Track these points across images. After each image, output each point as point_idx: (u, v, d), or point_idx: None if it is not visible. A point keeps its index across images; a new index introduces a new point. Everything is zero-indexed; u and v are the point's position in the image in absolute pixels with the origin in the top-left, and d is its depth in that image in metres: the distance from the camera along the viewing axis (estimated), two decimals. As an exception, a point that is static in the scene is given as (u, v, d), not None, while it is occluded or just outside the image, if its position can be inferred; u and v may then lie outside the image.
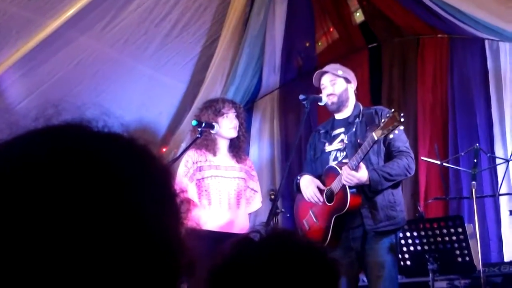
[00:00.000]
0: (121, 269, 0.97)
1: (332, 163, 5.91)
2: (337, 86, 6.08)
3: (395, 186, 5.83)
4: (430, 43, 8.21)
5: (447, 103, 7.93)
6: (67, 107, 1.11)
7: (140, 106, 7.74)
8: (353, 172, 5.59)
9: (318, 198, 5.89)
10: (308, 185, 5.99)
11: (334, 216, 5.77)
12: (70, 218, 0.95)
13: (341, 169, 5.71)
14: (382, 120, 5.49)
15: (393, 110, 5.50)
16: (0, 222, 0.95)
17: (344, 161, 5.80)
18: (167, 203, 1.08)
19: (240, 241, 2.07)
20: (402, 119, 5.38)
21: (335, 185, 5.77)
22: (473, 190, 6.21)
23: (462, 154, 7.07)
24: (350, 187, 5.67)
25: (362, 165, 5.61)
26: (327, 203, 5.87)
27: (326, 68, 6.22)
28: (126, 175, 1.03)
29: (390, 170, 5.71)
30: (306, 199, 5.98)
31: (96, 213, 0.96)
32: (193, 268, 1.10)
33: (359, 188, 5.69)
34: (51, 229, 0.94)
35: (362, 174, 5.61)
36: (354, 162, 5.59)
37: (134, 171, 1.04)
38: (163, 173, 1.11)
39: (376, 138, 5.46)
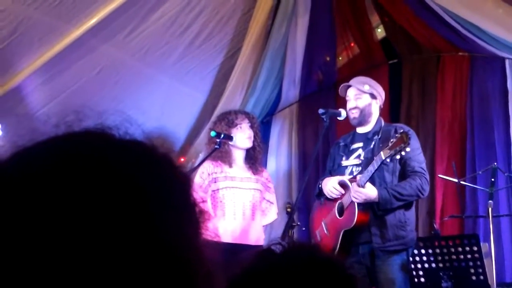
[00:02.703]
0: (138, 279, 0.97)
1: (346, 177, 5.92)
2: (361, 101, 6.08)
3: (407, 206, 5.82)
4: (451, 61, 8.18)
5: (466, 121, 7.90)
6: (88, 114, 1.11)
7: (160, 116, 7.77)
8: (361, 189, 5.60)
9: (339, 191, 5.89)
10: (327, 182, 6.00)
11: (343, 231, 5.79)
12: (88, 226, 0.95)
13: (351, 183, 5.72)
14: (391, 140, 5.50)
15: (401, 131, 5.51)
16: (15, 229, 0.95)
17: (358, 176, 5.80)
18: (186, 212, 1.08)
19: (262, 253, 2.08)
20: (409, 141, 5.40)
21: (346, 200, 5.79)
22: (490, 209, 6.20)
23: (480, 172, 7.04)
24: (358, 204, 5.68)
25: (368, 182, 5.61)
26: (337, 217, 5.88)
27: (352, 81, 6.23)
28: (145, 184, 1.02)
29: (402, 190, 5.70)
30: (328, 196, 5.97)
31: (114, 222, 0.96)
32: (211, 279, 1.09)
33: (368, 205, 5.69)
34: (67, 237, 0.94)
35: (370, 192, 5.61)
36: (362, 180, 5.61)
37: (154, 180, 1.04)
38: (183, 182, 1.11)
39: (383, 158, 5.48)
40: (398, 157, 5.50)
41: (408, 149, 5.45)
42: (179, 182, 1.10)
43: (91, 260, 0.94)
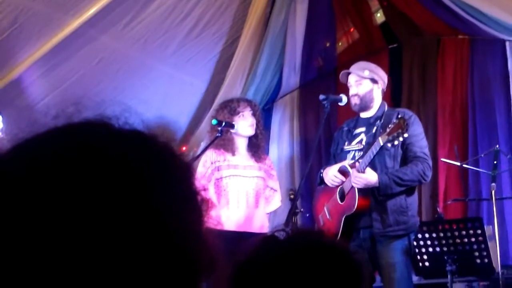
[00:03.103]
0: (141, 267, 0.97)
1: (348, 162, 5.92)
2: (362, 87, 6.06)
3: (409, 191, 5.81)
4: (451, 44, 8.18)
5: (467, 104, 7.90)
6: (87, 105, 1.11)
7: (160, 105, 7.77)
8: (360, 174, 5.60)
9: (339, 179, 5.89)
10: (328, 171, 6.00)
11: (344, 216, 5.79)
12: (90, 218, 0.95)
13: (352, 169, 5.72)
14: (389, 126, 5.49)
15: (399, 116, 5.50)
16: (16, 220, 0.95)
17: (359, 160, 5.80)
18: (188, 201, 1.08)
19: (266, 239, 2.08)
20: (407, 127, 5.39)
21: (346, 185, 5.80)
22: (493, 191, 6.20)
23: (482, 155, 7.04)
24: (358, 189, 5.68)
25: (368, 168, 5.61)
26: (339, 202, 5.89)
27: (352, 68, 6.21)
28: (147, 173, 1.02)
29: (403, 175, 5.70)
30: (330, 185, 5.98)
31: (116, 211, 0.96)
32: (214, 266, 1.09)
33: (368, 190, 5.69)
34: (67, 228, 0.94)
35: (370, 176, 5.61)
36: (362, 165, 5.61)
37: (155, 169, 1.04)
38: (185, 171, 1.11)
39: (381, 143, 5.49)
40: (396, 142, 5.49)
41: (406, 135, 5.43)
42: (180, 171, 1.10)
43: (93, 252, 0.94)
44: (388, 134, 5.46)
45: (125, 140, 1.06)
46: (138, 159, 1.03)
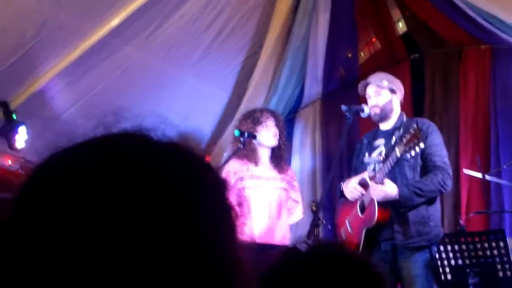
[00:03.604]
0: (177, 281, 0.98)
1: (367, 174, 5.91)
2: (381, 97, 6.05)
3: (430, 201, 5.78)
4: (473, 54, 8.16)
5: (489, 114, 7.87)
6: (126, 115, 1.12)
7: (183, 115, 7.77)
8: (379, 186, 5.59)
9: (359, 191, 5.89)
10: (348, 184, 6.01)
11: (365, 228, 5.79)
12: (128, 229, 0.96)
13: (371, 180, 5.72)
14: (405, 136, 5.48)
15: (415, 127, 5.49)
16: (56, 230, 0.97)
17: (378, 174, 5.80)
18: (223, 216, 1.09)
19: (288, 251, 2.09)
20: (423, 136, 5.38)
21: (366, 198, 5.80)
22: (515, 204, 6.19)
23: (505, 167, 7.03)
24: (378, 201, 5.68)
25: (386, 180, 5.60)
26: (360, 215, 5.89)
27: (370, 78, 6.20)
28: (183, 187, 1.03)
29: (423, 185, 5.68)
30: (349, 198, 5.99)
31: (153, 224, 0.98)
32: (247, 280, 1.11)
33: (388, 202, 5.68)
34: (106, 238, 0.96)
35: (389, 189, 5.59)
36: (380, 177, 5.61)
37: (192, 183, 1.05)
38: (220, 186, 1.12)
39: (398, 154, 5.47)
40: (413, 153, 5.47)
41: (422, 145, 5.42)
42: (216, 186, 1.11)
43: (130, 261, 0.96)
44: (405, 145, 5.45)
45: (162, 153, 1.08)
46: (175, 173, 1.05)
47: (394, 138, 5.91)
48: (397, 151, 5.49)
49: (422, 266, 5.71)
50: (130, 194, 0.99)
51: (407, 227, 5.69)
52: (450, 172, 5.85)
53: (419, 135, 5.39)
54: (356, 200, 5.96)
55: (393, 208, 5.71)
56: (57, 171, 1.03)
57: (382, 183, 5.61)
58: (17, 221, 1.00)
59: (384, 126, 6.12)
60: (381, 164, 5.86)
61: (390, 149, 5.85)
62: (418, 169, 5.80)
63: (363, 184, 5.88)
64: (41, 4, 6.35)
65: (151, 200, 0.99)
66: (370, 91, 6.12)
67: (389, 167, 5.57)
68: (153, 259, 0.97)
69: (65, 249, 0.96)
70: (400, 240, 5.70)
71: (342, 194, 6.15)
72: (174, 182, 1.03)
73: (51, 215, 0.97)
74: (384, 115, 6.07)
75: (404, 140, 5.46)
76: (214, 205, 1.08)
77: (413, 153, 5.48)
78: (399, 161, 5.62)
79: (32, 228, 0.98)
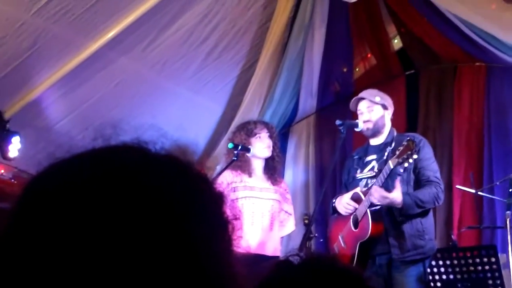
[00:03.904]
0: None
1: (358, 189, 5.92)
2: (374, 113, 6.07)
3: (424, 214, 5.79)
4: (468, 71, 8.19)
5: (483, 131, 7.90)
6: (125, 128, 1.12)
7: (177, 128, 7.77)
8: (386, 193, 5.59)
9: (352, 206, 5.89)
10: (340, 200, 6.01)
11: (359, 243, 5.79)
12: (123, 241, 0.96)
13: (364, 195, 5.72)
14: (398, 149, 5.50)
15: (408, 138, 5.51)
16: (49, 240, 0.96)
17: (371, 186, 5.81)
18: (220, 229, 1.09)
19: (280, 263, 2.09)
20: (416, 148, 5.40)
21: (360, 212, 5.79)
22: (508, 219, 6.18)
23: (497, 183, 7.03)
24: (372, 215, 5.68)
25: (398, 185, 5.60)
26: (353, 229, 5.89)
27: (363, 94, 6.22)
28: (180, 200, 1.03)
29: (422, 196, 5.70)
30: (343, 213, 5.98)
31: (149, 237, 0.97)
32: None
33: (380, 215, 5.69)
34: (100, 250, 0.96)
35: (396, 195, 5.59)
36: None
37: (189, 196, 1.05)
38: (218, 199, 1.12)
39: (391, 167, 5.48)
40: (406, 164, 5.49)
41: (415, 156, 5.44)
42: (213, 199, 1.11)
43: (126, 274, 0.96)
44: (398, 157, 5.46)
45: (160, 166, 1.07)
46: (173, 185, 1.05)
47: (386, 153, 5.92)
48: (390, 163, 5.49)
49: (414, 280, 5.70)
50: (127, 206, 0.98)
51: (403, 241, 5.69)
52: (443, 187, 5.88)
53: (413, 147, 5.40)
54: (349, 215, 5.96)
55: (388, 222, 5.71)
56: (55, 182, 1.03)
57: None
58: (14, 232, 1.00)
59: (375, 141, 6.13)
60: (374, 179, 5.86)
61: (383, 164, 5.85)
62: (412, 183, 5.81)
63: (356, 199, 5.88)
64: (37, 16, 6.36)
65: (147, 212, 0.99)
66: (363, 106, 6.13)
67: (382, 180, 5.58)
68: (149, 271, 0.97)
69: (61, 261, 0.95)
70: (396, 254, 5.69)
71: (334, 211, 6.15)
72: (171, 195, 1.03)
73: (48, 227, 0.97)
74: (376, 131, 6.08)
75: (397, 152, 5.47)
76: (210, 218, 1.08)
77: (406, 164, 5.48)
78: (391, 175, 5.62)
79: (29, 239, 0.98)
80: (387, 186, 5.67)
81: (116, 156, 1.07)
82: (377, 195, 5.63)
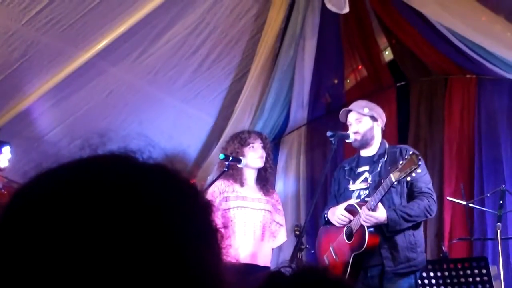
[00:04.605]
0: None
1: (354, 201, 5.91)
2: (362, 124, 6.08)
3: (416, 226, 5.81)
4: (458, 83, 8.20)
5: (474, 143, 7.91)
6: (112, 137, 1.12)
7: (168, 138, 7.77)
8: (371, 213, 5.60)
9: (347, 217, 5.88)
10: (334, 211, 5.99)
11: (353, 254, 5.78)
12: (108, 251, 0.96)
13: (360, 207, 5.71)
14: (401, 162, 5.50)
15: (411, 152, 5.53)
16: (36, 250, 0.96)
17: (366, 199, 5.80)
18: (208, 238, 1.08)
19: (272, 275, 2.08)
20: (420, 162, 5.41)
21: (354, 224, 5.78)
22: (498, 231, 6.20)
23: (488, 195, 7.04)
24: (368, 226, 5.68)
25: (379, 205, 5.61)
26: (346, 241, 5.88)
27: (352, 106, 6.23)
28: (168, 208, 1.02)
29: (410, 210, 5.70)
30: (337, 224, 5.96)
31: (136, 247, 0.97)
32: None
33: (378, 227, 5.69)
34: (85, 258, 0.95)
35: (380, 214, 5.61)
36: (372, 203, 5.60)
37: (177, 205, 1.04)
38: (206, 208, 1.11)
39: (393, 180, 5.47)
40: (408, 178, 5.51)
41: (419, 170, 5.45)
42: (201, 208, 1.11)
43: (111, 284, 0.95)
44: (401, 171, 5.45)
45: (147, 175, 1.07)
46: (160, 194, 1.04)
47: (379, 165, 5.92)
48: (393, 177, 5.48)
49: (407, 291, 5.71)
50: (113, 215, 0.98)
51: (395, 253, 5.69)
52: (435, 198, 5.88)
53: (416, 161, 5.40)
54: (341, 226, 5.95)
55: (381, 234, 5.71)
56: (41, 192, 1.02)
57: (374, 210, 5.61)
58: (1, 243, 0.99)
59: (366, 152, 6.14)
60: (367, 191, 5.87)
61: (376, 176, 5.86)
62: (405, 196, 5.82)
63: (351, 211, 5.88)
64: (28, 26, 6.35)
65: (134, 221, 0.98)
66: (351, 118, 6.14)
67: (383, 193, 5.56)
68: (136, 280, 0.96)
69: (46, 270, 0.95)
70: (389, 266, 5.69)
71: (327, 222, 6.13)
72: (159, 204, 1.02)
73: (34, 236, 0.97)
74: (364, 142, 6.09)
75: (400, 166, 5.47)
76: (198, 226, 1.07)
77: (408, 178, 5.50)
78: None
79: (14, 249, 0.97)
80: (382, 200, 5.66)
81: (102, 166, 1.07)
82: (363, 215, 5.64)
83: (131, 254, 0.96)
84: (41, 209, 0.99)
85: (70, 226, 0.96)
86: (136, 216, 0.99)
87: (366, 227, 5.68)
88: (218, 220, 1.12)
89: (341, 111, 6.26)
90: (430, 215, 5.85)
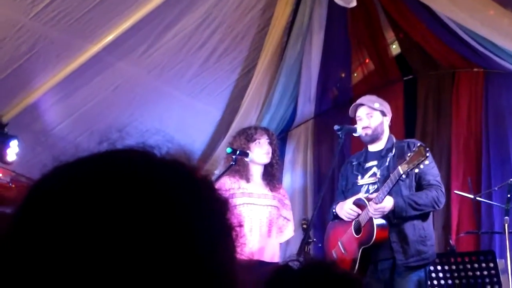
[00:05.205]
0: None
1: (362, 195, 5.91)
2: (373, 119, 6.06)
3: (425, 219, 5.80)
4: (466, 77, 8.19)
5: (481, 136, 7.91)
6: (130, 132, 1.12)
7: (175, 132, 7.77)
8: (378, 206, 5.60)
9: (356, 212, 5.88)
10: (343, 206, 5.99)
11: (362, 248, 5.77)
12: (126, 244, 0.96)
13: (368, 201, 5.71)
14: (409, 154, 5.49)
15: (419, 144, 5.52)
16: (53, 243, 0.96)
17: (374, 194, 5.79)
18: (224, 236, 1.08)
19: (280, 269, 2.08)
20: (427, 154, 5.41)
21: (363, 218, 5.78)
22: (506, 225, 6.19)
23: (496, 188, 7.02)
24: (376, 219, 5.68)
25: (386, 198, 5.61)
26: (355, 235, 5.87)
27: (362, 100, 6.21)
28: (183, 206, 1.02)
29: (418, 199, 5.69)
30: (346, 219, 5.96)
31: (152, 242, 0.97)
32: None
33: (385, 217, 5.68)
34: (102, 254, 0.95)
35: (387, 203, 5.61)
36: (380, 196, 5.60)
37: (194, 202, 1.04)
38: (222, 205, 1.11)
39: (401, 172, 5.47)
40: (416, 171, 5.50)
41: (427, 162, 5.45)
42: (218, 205, 1.11)
43: (128, 280, 0.95)
44: (408, 163, 5.45)
45: (165, 171, 1.07)
46: (177, 191, 1.04)
47: (388, 159, 5.92)
48: (400, 169, 5.48)
49: (416, 285, 5.70)
50: (132, 211, 0.98)
51: (406, 246, 5.69)
52: (444, 190, 5.88)
53: (424, 153, 5.40)
54: (350, 221, 5.94)
55: (391, 227, 5.71)
56: (61, 185, 1.02)
57: (381, 202, 5.61)
58: (18, 235, 1.00)
59: (374, 147, 6.13)
60: (375, 186, 5.86)
61: (385, 170, 5.86)
62: (414, 189, 5.81)
63: (359, 205, 5.87)
64: (35, 19, 6.36)
65: (152, 217, 0.98)
66: (362, 112, 6.12)
67: (390, 186, 5.56)
68: (153, 277, 0.96)
69: (65, 264, 0.95)
70: (400, 259, 5.69)
71: (335, 217, 6.13)
72: (176, 200, 1.02)
73: (53, 229, 0.97)
74: (375, 137, 6.08)
75: (408, 158, 5.47)
76: (215, 224, 1.07)
77: (416, 170, 5.50)
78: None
79: (33, 242, 0.97)
80: (390, 193, 5.65)
81: (121, 160, 1.06)
82: (372, 209, 5.64)
83: (146, 250, 0.96)
84: (58, 202, 0.99)
85: (90, 220, 0.97)
86: (151, 213, 0.99)
87: (374, 221, 5.67)
88: (234, 218, 1.12)
89: (352, 106, 6.24)
90: (438, 206, 5.84)
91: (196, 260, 1.00)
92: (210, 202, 1.08)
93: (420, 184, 5.83)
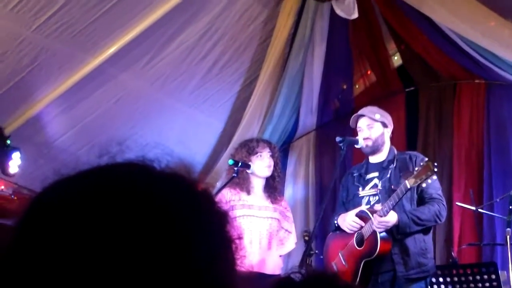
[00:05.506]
0: None
1: (364, 207, 5.90)
2: (374, 130, 6.06)
3: (426, 232, 5.80)
4: (467, 88, 8.19)
5: (483, 148, 7.89)
6: (130, 145, 1.12)
7: (177, 144, 7.79)
8: (383, 218, 5.60)
9: (358, 224, 5.87)
10: (345, 217, 5.98)
11: (364, 261, 5.77)
12: (124, 257, 0.97)
13: (372, 214, 5.70)
14: (416, 169, 5.49)
15: (427, 159, 5.52)
16: (50, 257, 0.97)
17: (376, 205, 5.79)
18: (222, 249, 1.09)
19: (282, 281, 2.08)
20: (435, 169, 5.40)
21: (366, 230, 5.77)
22: (508, 236, 6.17)
23: (497, 200, 7.02)
24: (380, 232, 5.67)
25: (390, 212, 5.60)
26: (356, 247, 5.86)
27: (363, 111, 6.21)
28: (182, 219, 1.03)
29: (421, 214, 5.69)
30: (348, 231, 5.95)
31: (151, 256, 0.97)
32: None
33: (388, 232, 5.68)
34: (101, 266, 0.96)
35: (392, 218, 5.60)
36: (385, 209, 5.59)
37: (191, 215, 1.04)
38: (221, 218, 1.12)
39: (409, 187, 5.47)
40: (424, 185, 5.50)
41: (434, 177, 5.46)
42: (217, 218, 1.11)
43: None
44: (416, 177, 5.45)
45: (164, 184, 1.07)
46: (176, 204, 1.05)
47: (389, 171, 5.91)
48: (408, 184, 5.47)
49: (417, 297, 5.70)
50: (132, 224, 0.98)
51: (407, 258, 5.69)
52: (445, 204, 5.87)
53: (432, 168, 5.40)
54: (351, 233, 5.93)
55: (392, 239, 5.70)
56: (61, 198, 1.03)
57: (385, 215, 5.60)
58: (20, 247, 1.00)
59: (375, 159, 6.12)
60: (376, 197, 5.86)
61: (386, 182, 5.86)
62: (415, 202, 5.81)
63: (362, 217, 5.86)
64: (37, 32, 6.38)
65: (151, 230, 0.99)
66: (363, 124, 6.12)
67: (397, 200, 5.55)
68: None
69: (66, 276, 0.96)
70: (401, 271, 5.68)
71: (337, 228, 6.12)
72: (175, 213, 1.03)
73: (53, 242, 0.97)
74: (376, 148, 6.08)
75: (415, 172, 5.46)
76: (214, 237, 1.07)
77: (424, 185, 5.49)
78: (391, 193, 5.63)
79: (35, 254, 0.98)
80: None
81: (121, 174, 1.07)
82: (376, 222, 5.63)
83: (146, 263, 0.97)
84: (59, 216, 0.99)
85: (90, 233, 0.97)
86: (151, 226, 0.99)
87: (378, 234, 5.66)
88: (233, 231, 1.12)
89: (352, 117, 6.24)
90: (440, 220, 5.85)
91: (196, 273, 1.01)
92: (209, 215, 1.09)
93: (422, 197, 5.82)
